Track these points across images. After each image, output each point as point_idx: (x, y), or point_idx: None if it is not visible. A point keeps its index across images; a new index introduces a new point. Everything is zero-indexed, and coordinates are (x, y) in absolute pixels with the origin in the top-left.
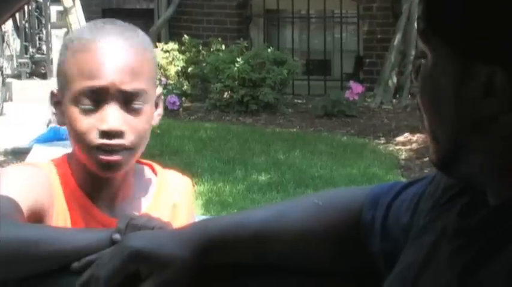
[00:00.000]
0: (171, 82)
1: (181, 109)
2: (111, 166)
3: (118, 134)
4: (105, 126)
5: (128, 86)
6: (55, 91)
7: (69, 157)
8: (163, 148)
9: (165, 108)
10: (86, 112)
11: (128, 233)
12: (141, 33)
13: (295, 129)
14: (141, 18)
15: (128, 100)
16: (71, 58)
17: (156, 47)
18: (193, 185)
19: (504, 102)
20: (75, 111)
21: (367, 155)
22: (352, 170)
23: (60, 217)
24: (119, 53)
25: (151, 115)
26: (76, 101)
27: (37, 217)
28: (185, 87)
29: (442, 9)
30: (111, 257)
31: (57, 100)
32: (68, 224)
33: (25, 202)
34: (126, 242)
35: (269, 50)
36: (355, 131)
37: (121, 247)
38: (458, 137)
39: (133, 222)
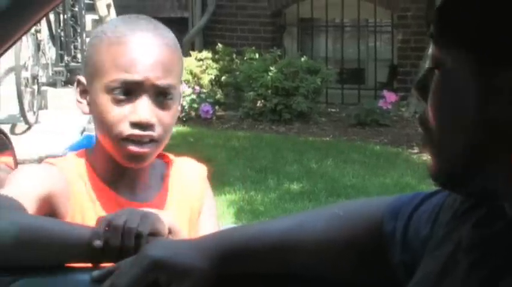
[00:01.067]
0: (204, 91)
1: (214, 118)
2: (139, 157)
3: (148, 126)
4: (137, 118)
5: (161, 82)
6: (82, 79)
7: (88, 150)
8: (195, 156)
9: (198, 116)
10: (118, 102)
11: (149, 243)
12: (171, 31)
13: (328, 138)
14: (176, 27)
15: (159, 94)
16: (105, 49)
17: (190, 55)
18: (225, 194)
19: None
20: (107, 101)
21: (400, 164)
22: (385, 179)
23: (76, 208)
24: (154, 48)
25: (177, 111)
26: (109, 91)
27: (50, 208)
28: (218, 95)
29: (459, 13)
30: (131, 266)
31: (83, 89)
32: (84, 215)
33: (36, 192)
34: (146, 251)
35: (302, 59)
36: (389, 141)
37: (141, 256)
38: (478, 151)
39: (114, 223)
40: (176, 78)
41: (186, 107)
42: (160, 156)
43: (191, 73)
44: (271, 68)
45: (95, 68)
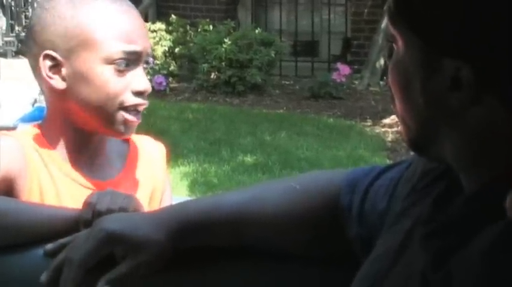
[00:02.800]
0: (158, 62)
1: (168, 89)
2: (133, 128)
3: (146, 96)
4: (141, 87)
5: (149, 50)
6: (51, 53)
7: (40, 126)
8: (149, 128)
9: (152, 88)
10: (121, 72)
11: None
12: None
13: (281, 111)
14: None
15: (145, 62)
16: (93, 19)
17: None
18: (179, 166)
19: (470, 96)
20: (107, 72)
21: (354, 137)
22: (338, 152)
23: (34, 183)
24: (138, 17)
25: None
26: (110, 62)
27: (8, 185)
28: (172, 67)
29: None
30: (85, 239)
31: (55, 63)
32: (43, 191)
33: None
34: (101, 224)
35: (256, 31)
36: (342, 113)
37: (95, 229)
38: (428, 125)
39: (97, 208)
40: None
41: None
42: None
43: None
44: (225, 40)
45: (81, 39)
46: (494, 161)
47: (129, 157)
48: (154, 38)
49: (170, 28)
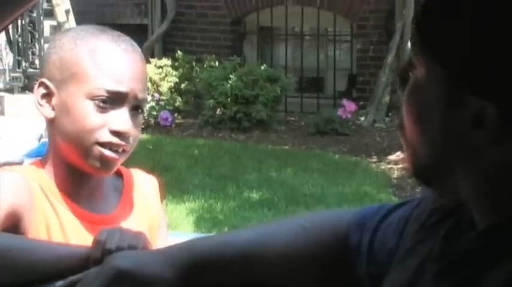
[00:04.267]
0: (163, 98)
1: (173, 125)
2: (110, 164)
3: (126, 137)
4: (119, 127)
5: (141, 95)
6: (46, 82)
7: (42, 161)
8: (154, 164)
9: (158, 124)
10: (101, 109)
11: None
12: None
13: (287, 147)
14: (135, 34)
15: (135, 107)
16: (88, 55)
17: (150, 62)
18: (184, 202)
19: (492, 136)
20: (88, 107)
21: (359, 173)
22: (344, 188)
23: (40, 218)
24: (136, 61)
25: (141, 123)
26: (92, 98)
27: (15, 220)
28: (178, 103)
29: (443, 28)
30: (95, 277)
31: (47, 92)
32: (49, 225)
33: (2, 206)
34: (111, 262)
35: (262, 67)
36: (348, 150)
37: (105, 267)
38: (441, 160)
39: (107, 246)
40: (146, 92)
41: (145, 115)
42: None
43: (150, 80)
44: (231, 76)
45: (72, 72)
46: (510, 199)
47: (124, 190)
48: (160, 74)
49: (176, 64)
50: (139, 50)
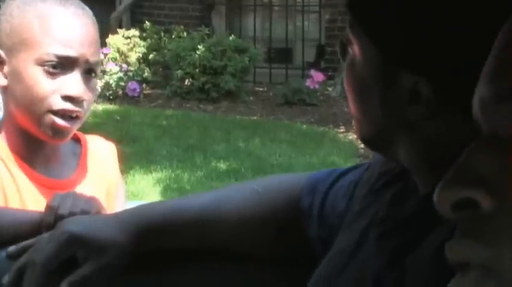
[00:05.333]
0: (131, 69)
1: (141, 96)
2: (64, 132)
3: (79, 102)
4: (70, 92)
5: (93, 58)
6: None
7: None
8: (122, 135)
9: (125, 95)
10: (51, 75)
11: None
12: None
13: (255, 117)
14: (102, 4)
15: (88, 71)
16: (35, 20)
17: (117, 33)
18: (152, 172)
19: (428, 110)
20: (38, 73)
21: (327, 143)
22: (312, 158)
23: None
24: (87, 25)
25: (96, 86)
26: (41, 63)
27: None
28: (146, 74)
29: (373, 6)
30: (47, 242)
31: (0, 60)
32: (5, 190)
33: None
34: (63, 227)
35: (230, 38)
36: (315, 120)
37: (58, 232)
38: (383, 131)
39: (60, 212)
40: (99, 55)
41: (113, 85)
42: None
43: (118, 51)
44: (199, 47)
45: (21, 38)
46: (449, 166)
47: (81, 156)
48: (129, 45)
49: (144, 35)
50: (90, 13)
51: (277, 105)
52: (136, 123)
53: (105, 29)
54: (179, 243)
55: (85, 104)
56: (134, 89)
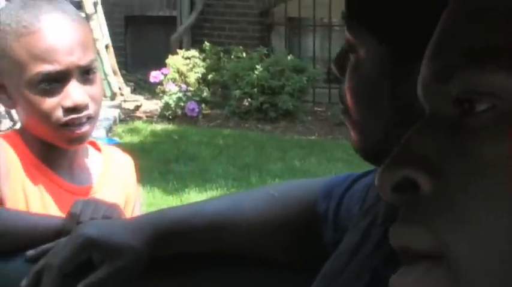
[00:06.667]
0: (191, 89)
1: (200, 116)
2: (80, 139)
3: (83, 107)
4: (70, 103)
5: (84, 61)
6: None
7: (19, 132)
8: (179, 153)
9: (185, 115)
10: (47, 93)
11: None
12: (69, 3)
13: (313, 137)
14: (164, 26)
15: (84, 73)
16: (14, 42)
17: (177, 53)
18: (207, 191)
19: None
20: (34, 94)
21: None
22: None
23: (17, 184)
24: (66, 30)
25: (101, 80)
26: (34, 85)
27: None
28: (205, 94)
29: (378, 8)
30: (64, 245)
31: (0, 84)
32: (26, 194)
33: None
34: (79, 230)
35: (289, 58)
36: None
37: (74, 235)
38: (391, 131)
39: (81, 219)
40: (92, 50)
41: (172, 105)
42: (88, 143)
43: (178, 71)
44: (258, 67)
45: (10, 63)
46: None
47: (102, 164)
48: (188, 65)
49: (203, 55)
50: (72, 11)
51: (335, 125)
52: (193, 142)
53: (166, 50)
54: (195, 247)
55: (91, 104)
56: (193, 109)
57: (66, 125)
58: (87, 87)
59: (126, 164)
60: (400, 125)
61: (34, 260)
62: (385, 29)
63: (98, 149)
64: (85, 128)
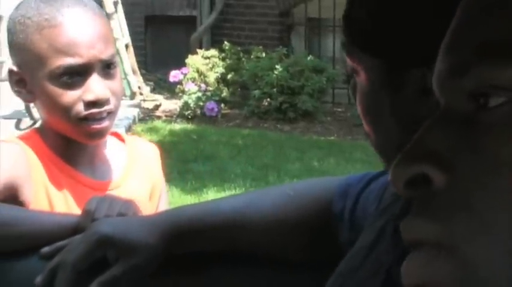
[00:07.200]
0: (210, 89)
1: (219, 116)
2: (100, 133)
3: (105, 101)
4: (92, 97)
5: (105, 55)
6: (14, 69)
7: (38, 130)
8: (198, 153)
9: (204, 114)
10: (68, 86)
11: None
12: None
13: (332, 138)
14: (184, 25)
15: (105, 67)
16: (35, 36)
17: (197, 53)
18: (225, 191)
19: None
20: (55, 87)
21: None
22: None
23: (39, 186)
24: (88, 23)
25: (120, 74)
26: (55, 78)
27: (13, 192)
28: (224, 94)
29: (365, 25)
30: (79, 242)
31: (19, 78)
32: (50, 197)
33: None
34: (94, 227)
35: (308, 58)
36: None
37: (89, 232)
38: (401, 143)
39: (96, 216)
40: (113, 45)
41: (191, 105)
42: (112, 134)
43: (198, 71)
44: (277, 67)
45: (30, 56)
46: None
47: (126, 156)
48: (208, 65)
49: (223, 55)
50: (93, 5)
51: (354, 126)
52: (212, 142)
53: (185, 50)
54: (211, 245)
55: (112, 99)
56: (212, 109)
57: (86, 119)
58: (108, 82)
59: (151, 153)
60: (403, 134)
61: (49, 257)
62: (381, 46)
63: (122, 140)
64: (105, 123)
